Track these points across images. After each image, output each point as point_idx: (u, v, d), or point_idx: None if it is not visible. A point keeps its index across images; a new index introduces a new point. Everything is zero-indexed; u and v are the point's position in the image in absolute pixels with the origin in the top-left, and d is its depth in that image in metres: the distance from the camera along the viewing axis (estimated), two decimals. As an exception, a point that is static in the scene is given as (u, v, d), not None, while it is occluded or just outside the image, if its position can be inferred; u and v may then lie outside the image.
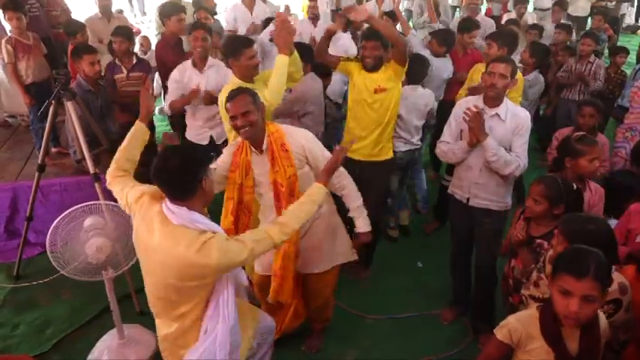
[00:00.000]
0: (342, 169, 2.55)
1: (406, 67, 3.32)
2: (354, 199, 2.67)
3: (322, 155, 2.56)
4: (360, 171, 3.23)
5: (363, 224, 2.71)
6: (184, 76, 3.92)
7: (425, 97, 3.82)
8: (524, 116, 2.85)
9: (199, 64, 3.95)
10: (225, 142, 4.26)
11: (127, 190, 2.14)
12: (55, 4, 6.21)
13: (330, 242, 2.77)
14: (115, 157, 2.32)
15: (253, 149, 2.49)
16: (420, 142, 4.01)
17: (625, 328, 2.08)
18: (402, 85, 3.48)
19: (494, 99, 2.82)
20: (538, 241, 2.44)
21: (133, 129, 2.40)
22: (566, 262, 1.68)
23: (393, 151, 3.61)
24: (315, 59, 3.62)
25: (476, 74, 3.98)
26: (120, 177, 2.25)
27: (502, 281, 2.79)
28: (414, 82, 3.79)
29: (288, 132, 2.54)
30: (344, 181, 2.64)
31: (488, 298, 3.14)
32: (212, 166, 2.15)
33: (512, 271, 2.57)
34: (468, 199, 3.00)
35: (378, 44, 3.23)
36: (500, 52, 3.76)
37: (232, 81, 3.16)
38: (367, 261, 3.83)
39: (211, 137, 4.04)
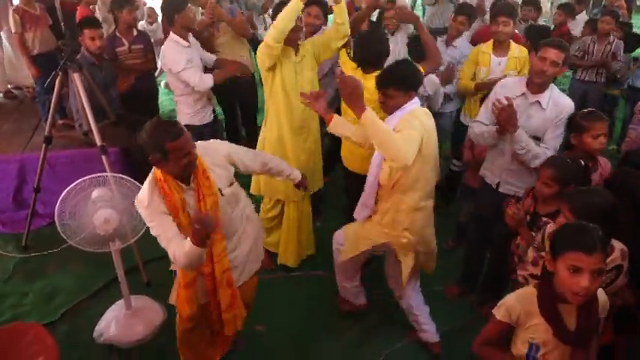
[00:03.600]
0: (260, 152, 2.57)
1: None
2: (279, 162, 2.66)
3: (242, 149, 2.49)
4: None
5: (298, 174, 2.70)
6: (187, 52, 3.68)
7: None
8: (569, 106, 2.65)
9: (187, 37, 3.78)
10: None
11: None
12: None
13: (258, 243, 2.64)
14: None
15: (181, 184, 2.19)
16: None
17: (620, 293, 2.12)
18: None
19: (539, 86, 2.63)
20: (544, 219, 2.41)
21: None
22: (573, 238, 1.65)
23: None
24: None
25: (481, 57, 3.66)
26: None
27: (508, 258, 2.78)
28: None
29: (203, 151, 2.27)
30: (266, 159, 2.61)
31: (502, 270, 3.04)
32: (151, 221, 2.14)
33: (517, 248, 2.57)
34: (498, 184, 2.90)
35: None
36: (515, 28, 3.42)
37: None
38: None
39: (214, 111, 4.06)
